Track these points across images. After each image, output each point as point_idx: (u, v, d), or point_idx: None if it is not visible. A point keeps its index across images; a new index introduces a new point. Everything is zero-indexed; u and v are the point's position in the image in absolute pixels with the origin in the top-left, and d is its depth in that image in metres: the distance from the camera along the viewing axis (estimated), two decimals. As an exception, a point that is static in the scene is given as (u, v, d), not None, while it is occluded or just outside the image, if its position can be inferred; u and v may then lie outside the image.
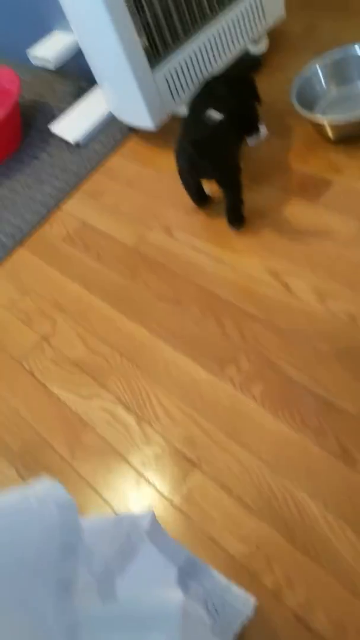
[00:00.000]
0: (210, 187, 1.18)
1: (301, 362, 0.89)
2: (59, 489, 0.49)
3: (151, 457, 0.89)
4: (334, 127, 1.15)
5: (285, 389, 0.87)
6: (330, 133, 1.17)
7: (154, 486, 0.86)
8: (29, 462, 0.96)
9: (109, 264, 1.19)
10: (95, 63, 1.28)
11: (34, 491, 0.47)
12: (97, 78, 1.34)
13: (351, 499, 0.75)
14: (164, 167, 1.31)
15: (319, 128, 1.18)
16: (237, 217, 1.11)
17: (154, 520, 0.63)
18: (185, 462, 0.86)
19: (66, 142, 1.48)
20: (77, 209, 1.33)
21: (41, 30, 1.56)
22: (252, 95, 1.22)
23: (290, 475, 0.79)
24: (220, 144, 1.08)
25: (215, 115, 1.07)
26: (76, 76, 1.61)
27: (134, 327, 1.06)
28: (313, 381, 0.86)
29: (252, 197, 1.14)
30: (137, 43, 1.16)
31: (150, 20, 1.17)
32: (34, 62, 1.54)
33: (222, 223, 1.14)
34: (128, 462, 0.90)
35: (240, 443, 0.85)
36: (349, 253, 0.99)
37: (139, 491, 0.87)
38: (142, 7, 1.14)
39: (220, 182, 1.11)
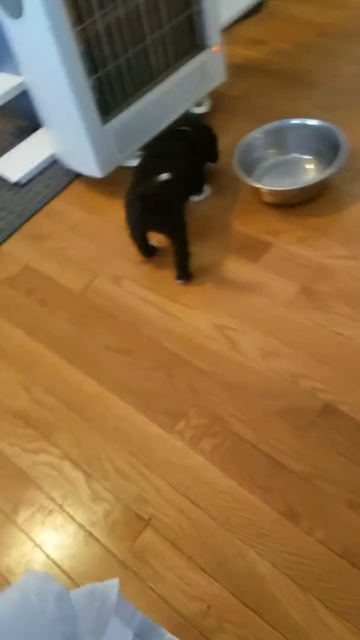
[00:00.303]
0: (156, 239, 1.21)
1: (248, 419, 0.93)
2: (52, 581, 0.49)
3: (100, 515, 0.89)
4: (269, 194, 1.23)
5: (234, 445, 0.91)
6: (266, 198, 1.24)
7: (103, 545, 0.86)
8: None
9: (55, 310, 1.18)
10: (45, 110, 1.28)
11: (32, 588, 0.47)
12: (44, 122, 1.34)
13: (298, 558, 0.79)
14: (110, 215, 1.33)
15: (256, 192, 1.25)
16: (185, 272, 1.15)
17: (118, 590, 0.64)
18: (136, 519, 0.87)
19: (6, 181, 1.46)
20: (19, 250, 1.31)
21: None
22: (210, 155, 1.28)
23: (240, 534, 0.82)
24: (170, 199, 1.12)
25: (164, 175, 1.10)
26: (15, 115, 1.60)
27: (82, 377, 1.06)
28: (260, 439, 0.91)
29: (196, 253, 1.18)
30: (91, 99, 1.18)
31: (103, 78, 1.20)
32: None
33: (169, 275, 1.17)
34: (76, 520, 0.89)
35: (191, 500, 0.87)
36: (288, 314, 1.05)
37: (88, 550, 0.86)
38: (96, 66, 1.17)
39: (169, 235, 1.15)
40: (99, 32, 1.15)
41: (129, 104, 1.28)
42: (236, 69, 1.59)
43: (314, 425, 0.90)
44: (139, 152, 1.34)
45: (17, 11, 1.07)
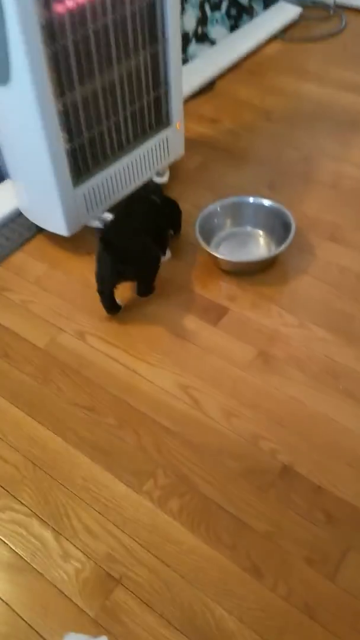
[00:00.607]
0: (121, 297, 1.27)
1: (213, 479, 0.99)
2: None
3: (71, 573, 0.90)
4: (226, 262, 1.33)
5: (200, 505, 0.96)
6: (222, 266, 1.35)
7: (75, 604, 0.87)
8: None
9: (18, 364, 1.19)
10: (16, 168, 1.32)
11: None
12: (12, 177, 1.38)
13: (263, 614, 0.85)
14: (72, 270, 1.38)
15: (214, 259, 1.35)
16: (144, 293, 1.29)
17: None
18: (107, 578, 0.89)
19: (-33, 229, 1.47)
20: (-20, 301, 1.32)
21: None
22: (174, 226, 1.38)
23: (208, 591, 0.87)
24: (143, 249, 1.23)
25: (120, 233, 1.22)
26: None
27: (47, 433, 1.07)
28: (225, 499, 0.96)
29: (158, 314, 1.25)
30: (66, 164, 1.24)
31: (77, 146, 1.27)
32: None
33: (133, 331, 1.23)
34: (46, 579, 0.90)
35: (161, 559, 0.91)
36: (247, 377, 1.14)
37: (59, 609, 0.87)
38: (72, 134, 1.25)
39: (141, 279, 1.27)
40: (77, 103, 1.23)
41: (99, 170, 1.35)
42: (191, 143, 1.72)
43: (273, 486, 0.97)
44: (103, 214, 1.41)
45: (3, 78, 1.12)
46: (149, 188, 1.49)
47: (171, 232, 1.41)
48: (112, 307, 1.26)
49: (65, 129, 1.22)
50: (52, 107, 1.15)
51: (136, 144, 1.43)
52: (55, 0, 1.07)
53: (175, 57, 1.37)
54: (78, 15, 1.13)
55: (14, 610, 0.87)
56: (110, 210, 1.41)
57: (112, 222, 1.28)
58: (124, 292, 1.30)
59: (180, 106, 1.48)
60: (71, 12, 1.11)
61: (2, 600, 0.88)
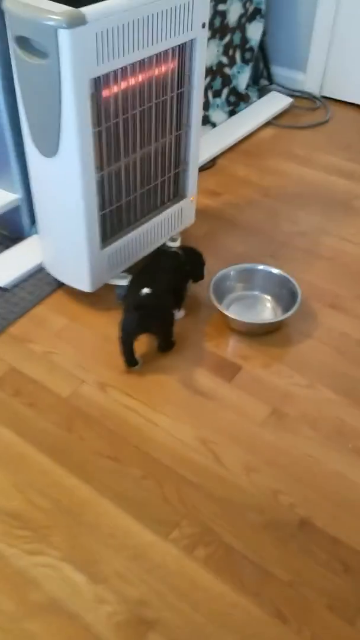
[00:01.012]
0: (139, 350, 1.36)
1: (236, 530, 1.05)
2: None
3: (105, 617, 0.93)
4: (237, 323, 1.44)
5: (225, 555, 1.02)
6: (233, 325, 1.46)
7: (110, 650, 0.90)
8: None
9: (43, 413, 1.24)
10: (47, 228, 1.42)
11: None
12: (40, 235, 1.47)
13: (289, 658, 0.90)
14: (93, 325, 1.46)
15: (225, 319, 1.46)
16: (166, 349, 1.39)
17: None
18: (140, 622, 0.93)
19: (-10, 284, 1.55)
20: (3, 352, 1.38)
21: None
22: (196, 275, 1.50)
23: (237, 635, 0.92)
24: (164, 306, 1.36)
25: (145, 290, 1.33)
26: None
27: (73, 481, 1.12)
28: (248, 549, 1.03)
29: (174, 368, 1.34)
30: (97, 229, 1.35)
31: (107, 213, 1.39)
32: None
33: (152, 385, 1.30)
34: (80, 622, 0.93)
35: (191, 605, 0.95)
36: (263, 433, 1.22)
37: (90, 655, 0.90)
38: (105, 203, 1.36)
39: (161, 335, 1.37)
40: (112, 176, 1.35)
41: (123, 234, 1.47)
42: (198, 213, 1.86)
43: (294, 538, 1.04)
44: (123, 273, 1.51)
45: (51, 152, 1.23)
46: (181, 247, 1.61)
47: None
48: (132, 359, 1.33)
49: (99, 197, 1.33)
50: (93, 180, 1.27)
51: (156, 212, 1.55)
52: (104, 86, 1.21)
53: (195, 141, 1.53)
54: (121, 100, 1.27)
55: (49, 654, 0.89)
56: (130, 269, 1.52)
57: (141, 276, 1.39)
58: (142, 346, 1.38)
59: (195, 182, 1.63)
60: (115, 97, 1.25)
61: (37, 644, 0.90)
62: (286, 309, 1.47)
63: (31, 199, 1.65)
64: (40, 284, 1.57)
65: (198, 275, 1.53)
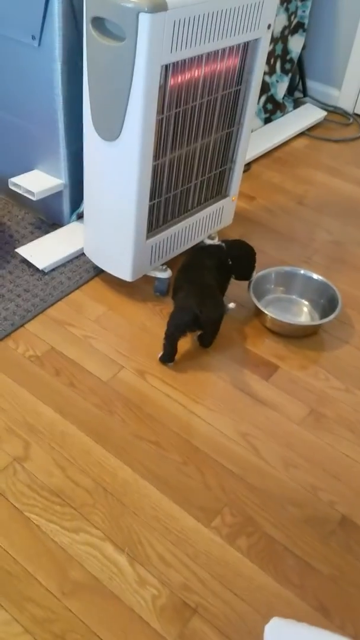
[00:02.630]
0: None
1: (277, 522, 1.05)
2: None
3: (148, 599, 0.92)
4: (275, 323, 1.45)
5: (267, 546, 1.01)
6: (269, 325, 1.46)
7: (153, 629, 0.89)
8: (12, 594, 0.91)
9: (84, 394, 1.24)
10: (94, 215, 1.42)
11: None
12: (85, 222, 1.48)
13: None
14: (130, 314, 1.46)
15: (263, 319, 1.47)
16: (208, 344, 1.39)
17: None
18: (183, 606, 0.92)
19: (28, 266, 1.54)
20: (43, 333, 1.37)
21: (24, 166, 1.68)
22: (241, 272, 1.49)
23: (279, 626, 0.91)
24: (218, 301, 1.35)
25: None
26: (35, 208, 1.73)
27: (116, 462, 1.11)
28: (290, 541, 1.02)
29: (213, 364, 1.34)
30: (146, 219, 1.36)
31: (155, 204, 1.40)
32: (14, 189, 1.63)
33: (190, 377, 1.30)
34: (123, 602, 0.92)
35: (234, 592, 0.95)
36: (301, 431, 1.22)
37: (137, 632, 0.89)
38: (155, 194, 1.37)
39: (208, 331, 1.36)
40: (165, 167, 1.36)
41: (167, 227, 1.47)
42: (234, 216, 1.87)
43: (334, 534, 1.04)
44: (163, 266, 1.51)
45: (113, 136, 1.24)
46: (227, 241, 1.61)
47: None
48: (172, 353, 1.33)
49: (151, 187, 1.34)
50: (149, 168, 1.28)
51: (200, 208, 1.56)
52: (172, 74, 1.22)
53: (245, 140, 1.54)
54: (184, 91, 1.28)
55: (93, 632, 0.88)
56: (168, 263, 1.52)
57: (187, 272, 1.39)
58: (180, 340, 1.38)
59: (238, 182, 1.64)
60: (179, 87, 1.26)
61: (80, 620, 0.89)
62: (323, 315, 1.48)
63: (74, 186, 1.66)
64: (79, 271, 1.57)
65: (242, 272, 1.52)
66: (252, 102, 1.48)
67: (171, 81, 1.23)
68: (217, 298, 1.35)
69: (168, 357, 1.34)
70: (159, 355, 1.34)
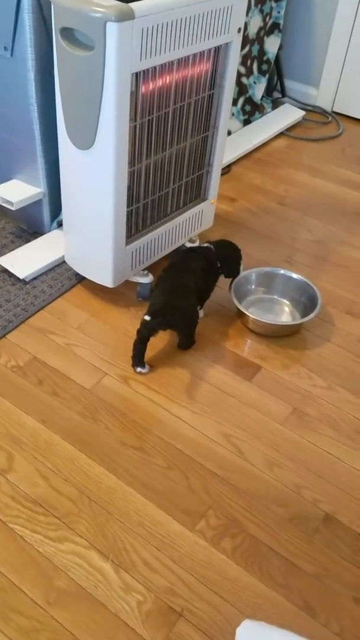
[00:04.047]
0: (157, 348, 1.36)
1: (262, 523, 1.06)
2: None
3: (133, 605, 0.93)
4: (256, 324, 1.45)
5: (252, 546, 1.02)
6: (251, 326, 1.47)
7: (139, 635, 0.89)
8: (-5, 608, 0.91)
9: (67, 402, 1.24)
10: (73, 222, 1.43)
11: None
12: (65, 229, 1.48)
13: (317, 649, 0.90)
14: (113, 321, 1.46)
15: (244, 320, 1.48)
16: (186, 347, 1.40)
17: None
18: (169, 611, 0.93)
19: (9, 276, 1.54)
20: (25, 342, 1.38)
21: (2, 176, 1.68)
22: (229, 270, 1.51)
23: (265, 627, 0.92)
24: (190, 303, 1.36)
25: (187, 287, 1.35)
26: (15, 217, 1.73)
27: (100, 470, 1.12)
28: (274, 542, 1.03)
29: (195, 365, 1.35)
30: (124, 225, 1.36)
31: (134, 210, 1.40)
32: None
33: (174, 380, 1.31)
34: (108, 610, 0.92)
35: (219, 594, 0.95)
36: (284, 430, 1.23)
37: (124, 639, 0.89)
38: (132, 199, 1.38)
39: (182, 334, 1.38)
40: (142, 173, 1.37)
41: (146, 232, 1.48)
42: (215, 218, 1.88)
43: (318, 532, 1.05)
44: (144, 271, 1.52)
45: (86, 145, 1.25)
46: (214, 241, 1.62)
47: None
48: (140, 356, 1.32)
49: (128, 194, 1.35)
50: (125, 174, 1.28)
51: (179, 212, 1.57)
52: (143, 82, 1.23)
53: (221, 144, 1.55)
54: (156, 98, 1.29)
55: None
56: (150, 268, 1.53)
57: (168, 272, 1.40)
58: (160, 343, 1.39)
59: (217, 185, 1.65)
60: (151, 94, 1.27)
61: (66, 629, 0.90)
62: (304, 314, 1.49)
63: (53, 194, 1.66)
64: (61, 278, 1.57)
65: (230, 272, 1.52)
66: (227, 105, 1.49)
67: (143, 88, 1.24)
68: (189, 301, 1.36)
69: (137, 359, 1.32)
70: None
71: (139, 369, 1.33)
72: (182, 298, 1.34)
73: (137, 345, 1.32)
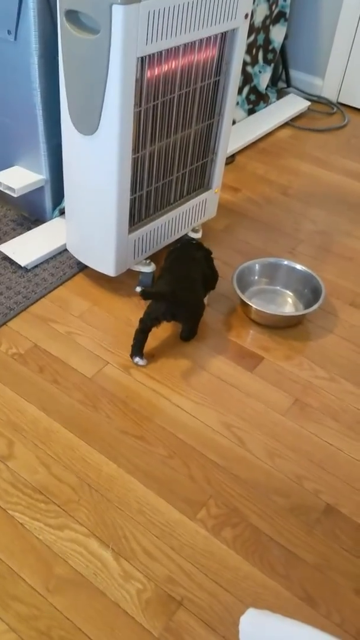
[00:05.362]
0: (160, 338, 1.36)
1: (262, 512, 1.05)
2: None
3: (133, 593, 0.92)
4: (259, 314, 1.45)
5: (252, 536, 1.02)
6: (254, 317, 1.46)
7: (139, 623, 0.89)
8: (-5, 594, 0.91)
9: (68, 391, 1.24)
10: (75, 210, 1.41)
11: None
12: (67, 217, 1.47)
13: None
14: (114, 310, 1.45)
15: (247, 310, 1.47)
16: (188, 338, 1.38)
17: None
18: (169, 599, 0.92)
19: (11, 263, 1.53)
20: (26, 330, 1.37)
21: (4, 163, 1.67)
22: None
23: (265, 616, 0.91)
24: (197, 295, 1.35)
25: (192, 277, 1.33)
26: (17, 205, 1.72)
27: (100, 458, 1.11)
28: (275, 531, 1.03)
29: (196, 355, 1.34)
30: (127, 212, 1.35)
31: (137, 198, 1.39)
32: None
33: (175, 370, 1.30)
34: (108, 598, 0.92)
35: (219, 583, 0.95)
36: (286, 421, 1.23)
37: (123, 627, 0.89)
38: (136, 187, 1.37)
39: (188, 324, 1.36)
40: (145, 160, 1.35)
41: (149, 221, 1.47)
42: (219, 208, 1.86)
43: (319, 523, 1.05)
44: (146, 260, 1.51)
45: (90, 130, 1.23)
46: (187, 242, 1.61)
47: None
48: (140, 345, 1.31)
49: (132, 181, 1.33)
50: (129, 161, 1.27)
51: (182, 201, 1.56)
52: (148, 66, 1.21)
53: (226, 131, 1.53)
54: (162, 83, 1.27)
55: (79, 628, 0.88)
56: (152, 257, 1.52)
57: (173, 263, 1.39)
58: (163, 333, 1.38)
59: (221, 174, 1.63)
60: (156, 79, 1.25)
61: (65, 617, 0.89)
62: (307, 305, 1.48)
63: (56, 181, 1.65)
64: (62, 267, 1.56)
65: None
66: (232, 93, 1.47)
67: (148, 73, 1.22)
68: (196, 294, 1.35)
69: (136, 349, 1.30)
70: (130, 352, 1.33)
71: (136, 359, 1.31)
72: (189, 290, 1.33)
73: (138, 335, 1.31)
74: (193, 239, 1.67)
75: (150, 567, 0.96)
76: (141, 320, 1.30)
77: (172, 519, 1.03)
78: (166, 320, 1.31)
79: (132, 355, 1.32)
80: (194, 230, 1.69)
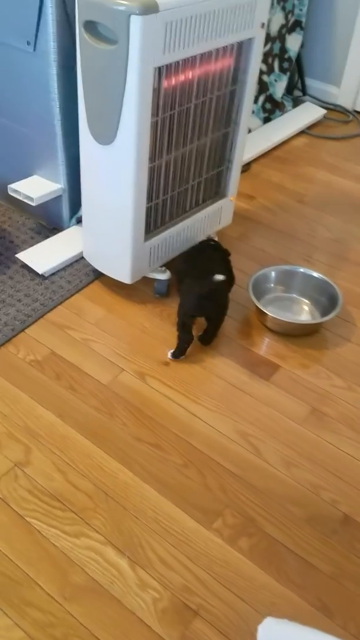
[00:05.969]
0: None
1: (279, 522, 1.05)
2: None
3: (149, 602, 0.92)
4: (275, 322, 1.44)
5: (268, 546, 1.01)
6: (269, 324, 1.46)
7: (155, 632, 0.89)
8: (13, 599, 0.91)
9: (84, 397, 1.24)
10: (92, 218, 1.43)
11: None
12: (84, 225, 1.48)
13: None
14: (130, 317, 1.46)
15: (262, 318, 1.47)
16: (210, 341, 1.40)
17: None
18: (185, 608, 0.92)
19: (29, 271, 1.55)
20: (44, 337, 1.38)
21: (23, 172, 1.69)
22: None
23: (281, 627, 0.91)
24: (225, 294, 1.38)
25: (219, 276, 1.33)
26: (36, 214, 1.73)
27: (116, 465, 1.11)
28: (291, 541, 1.02)
29: (212, 364, 1.34)
30: (143, 221, 1.36)
31: (153, 206, 1.40)
32: (14, 195, 1.63)
33: (190, 378, 1.30)
34: (124, 606, 0.92)
35: (235, 593, 0.94)
36: (302, 430, 1.22)
37: (139, 636, 0.88)
38: (152, 195, 1.38)
39: (215, 320, 1.38)
40: (162, 169, 1.36)
41: (165, 228, 1.47)
42: (234, 216, 1.87)
43: (336, 533, 1.04)
44: (161, 268, 1.51)
45: (108, 140, 1.24)
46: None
47: None
48: (186, 344, 1.34)
49: (148, 189, 1.34)
50: (145, 170, 1.28)
51: (198, 209, 1.56)
52: (166, 76, 1.22)
53: (241, 140, 1.54)
54: (178, 92, 1.28)
55: (95, 636, 0.88)
56: (184, 256, 1.53)
57: (194, 263, 1.41)
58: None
59: (236, 182, 1.64)
60: (173, 89, 1.26)
61: (81, 624, 0.89)
62: (324, 313, 1.47)
63: (73, 190, 1.67)
64: (79, 274, 1.57)
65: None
66: (248, 102, 1.48)
67: (165, 83, 1.23)
68: (225, 291, 1.38)
69: (180, 350, 1.34)
70: (170, 352, 1.35)
71: (180, 358, 1.36)
72: (221, 291, 1.35)
73: (183, 337, 1.34)
74: (212, 239, 1.67)
75: (166, 575, 0.96)
76: (178, 322, 1.34)
77: (188, 527, 1.03)
78: (200, 316, 1.35)
79: (176, 357, 1.35)
80: (209, 239, 1.70)
